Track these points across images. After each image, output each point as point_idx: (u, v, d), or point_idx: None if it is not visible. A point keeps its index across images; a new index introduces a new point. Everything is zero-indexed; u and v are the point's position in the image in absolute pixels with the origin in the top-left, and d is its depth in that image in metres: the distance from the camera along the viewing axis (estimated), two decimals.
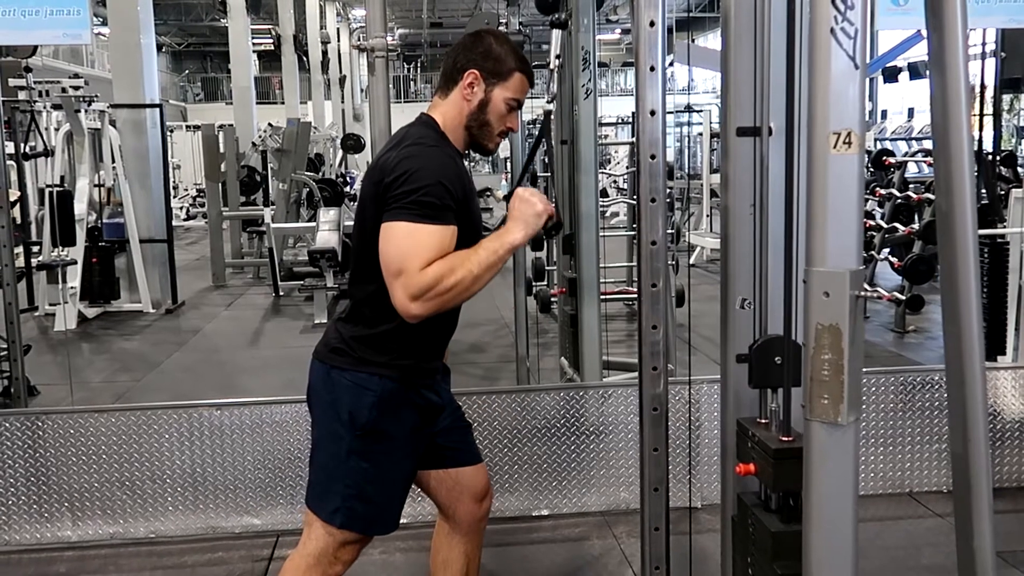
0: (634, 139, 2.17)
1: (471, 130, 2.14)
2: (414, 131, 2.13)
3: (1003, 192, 5.57)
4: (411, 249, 1.91)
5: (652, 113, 1.90)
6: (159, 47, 31.38)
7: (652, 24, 1.88)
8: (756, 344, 1.98)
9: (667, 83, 1.93)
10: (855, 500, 1.57)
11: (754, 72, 2.00)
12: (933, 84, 1.72)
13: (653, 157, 1.91)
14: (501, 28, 4.63)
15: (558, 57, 4.45)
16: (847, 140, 1.51)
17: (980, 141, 5.33)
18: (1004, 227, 4.63)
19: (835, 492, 1.57)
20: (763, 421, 2.00)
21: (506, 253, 1.99)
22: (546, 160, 9.37)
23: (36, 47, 6.56)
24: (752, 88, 2.01)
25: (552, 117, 4.98)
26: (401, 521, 2.26)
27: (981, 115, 5.28)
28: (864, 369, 3.85)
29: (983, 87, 5.03)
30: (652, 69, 1.89)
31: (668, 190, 2.04)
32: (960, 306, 1.72)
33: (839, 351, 1.53)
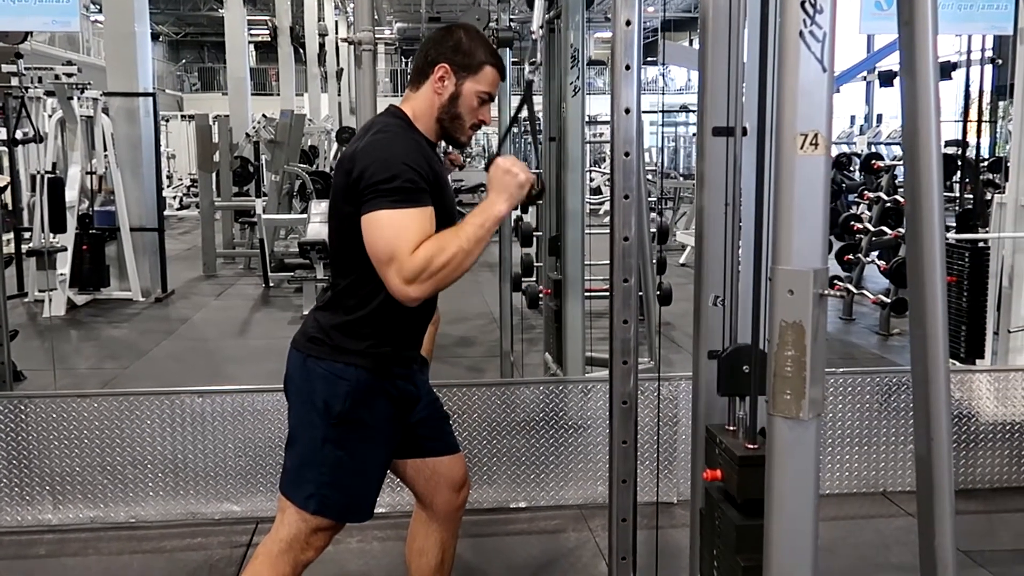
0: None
1: (443, 123, 2.17)
2: (380, 120, 2.17)
3: (989, 198, 5.61)
4: (397, 235, 1.93)
5: (627, 111, 1.93)
6: (156, 36, 31.33)
7: (628, 23, 1.90)
8: (724, 353, 2.01)
9: (642, 81, 1.95)
10: (816, 495, 1.60)
11: (728, 73, 2.03)
12: (904, 90, 1.75)
13: (627, 154, 1.94)
14: (492, 24, 4.64)
15: (541, 27, 4.35)
16: (814, 141, 1.53)
17: (964, 146, 5.37)
18: (986, 232, 4.66)
19: (796, 487, 1.60)
20: (731, 428, 2.05)
21: (493, 225, 2.01)
22: (527, 127, 9.35)
23: (28, 33, 6.55)
24: (727, 89, 2.04)
25: (534, 85, 4.92)
26: (380, 511, 2.28)
27: (965, 120, 5.31)
28: (842, 369, 3.89)
29: (967, 93, 5.06)
30: (627, 68, 1.91)
31: (661, 188, 2.06)
32: (926, 308, 1.74)
33: (802, 348, 1.55)
